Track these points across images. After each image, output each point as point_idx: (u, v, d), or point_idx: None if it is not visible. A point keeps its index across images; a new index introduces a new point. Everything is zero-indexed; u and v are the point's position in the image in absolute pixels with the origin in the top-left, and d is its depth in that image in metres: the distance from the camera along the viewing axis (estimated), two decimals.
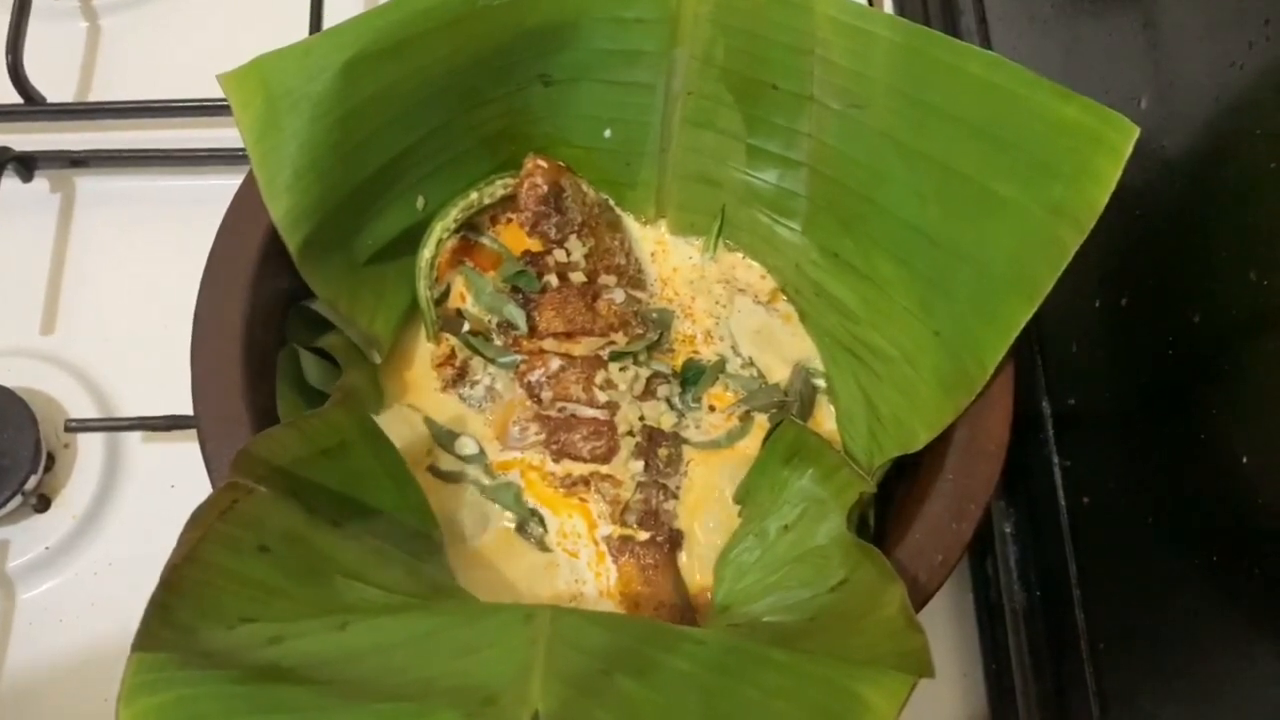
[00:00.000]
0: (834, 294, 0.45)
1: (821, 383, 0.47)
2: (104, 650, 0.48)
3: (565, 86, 0.46)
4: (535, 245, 0.48)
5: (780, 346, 0.48)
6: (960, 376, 0.40)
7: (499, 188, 0.48)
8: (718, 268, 0.49)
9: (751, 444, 0.46)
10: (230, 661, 0.30)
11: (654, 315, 0.48)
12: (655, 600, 0.43)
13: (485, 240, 0.48)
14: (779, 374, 0.47)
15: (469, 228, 0.48)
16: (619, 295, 0.47)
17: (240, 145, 0.39)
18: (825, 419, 0.46)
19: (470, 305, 0.47)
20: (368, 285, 0.44)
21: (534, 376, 0.46)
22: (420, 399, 0.46)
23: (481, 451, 0.45)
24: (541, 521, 0.44)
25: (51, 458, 0.51)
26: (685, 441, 0.46)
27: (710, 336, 0.48)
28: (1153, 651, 0.39)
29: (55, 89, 0.58)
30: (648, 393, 0.46)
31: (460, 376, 0.46)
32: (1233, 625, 0.34)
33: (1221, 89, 0.35)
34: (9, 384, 0.50)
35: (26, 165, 0.57)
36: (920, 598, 0.37)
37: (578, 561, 0.44)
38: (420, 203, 0.46)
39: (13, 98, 0.57)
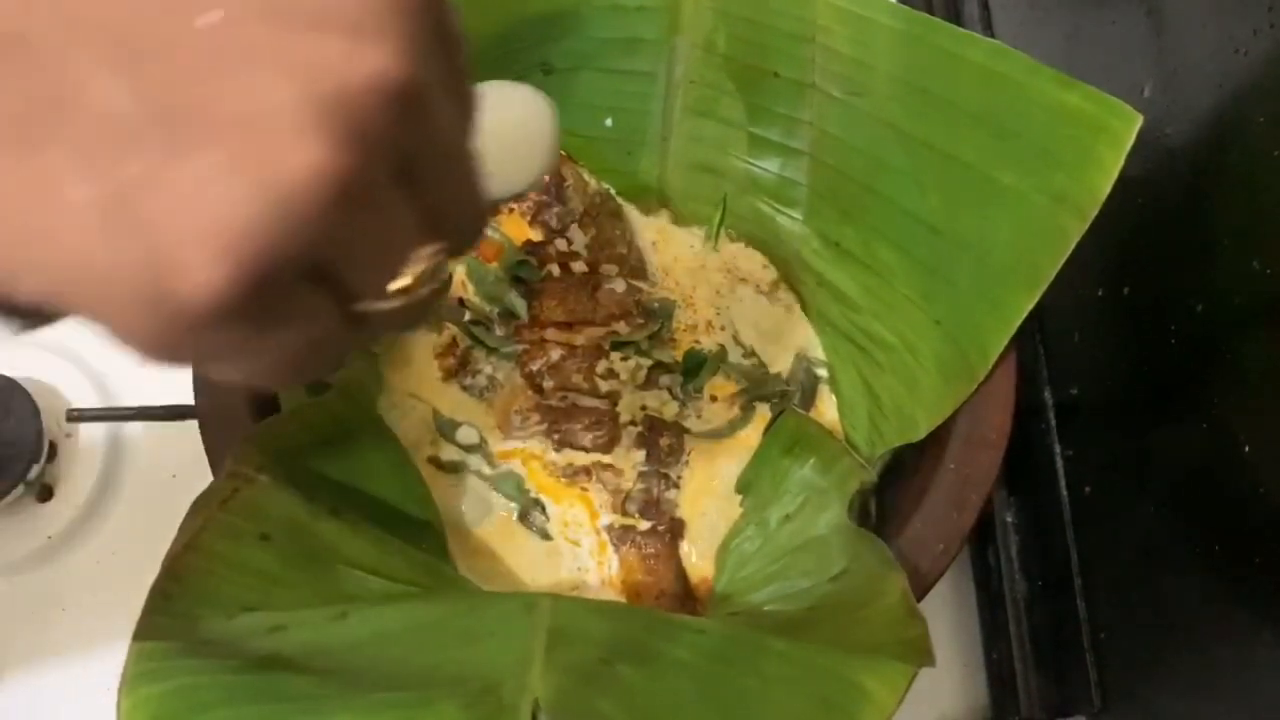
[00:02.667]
0: (835, 283, 0.45)
1: (823, 372, 0.47)
2: (106, 639, 0.48)
3: (566, 75, 0.46)
4: (536, 235, 0.48)
5: (782, 336, 0.48)
6: (962, 365, 0.40)
7: None
8: (719, 257, 0.49)
9: (753, 433, 0.46)
10: (231, 650, 0.30)
11: (655, 305, 0.48)
12: (656, 589, 0.43)
13: (487, 230, 0.48)
14: (780, 363, 0.47)
15: None
16: (620, 285, 0.47)
17: None
18: (827, 408, 0.46)
19: (472, 294, 0.47)
20: None
21: (535, 366, 0.46)
22: (422, 388, 0.46)
23: (483, 441, 0.45)
24: (543, 510, 0.44)
25: (54, 447, 0.51)
26: (687, 431, 0.46)
27: (711, 326, 0.48)
28: (1154, 640, 0.39)
29: None
30: (649, 382, 0.46)
31: (462, 366, 0.46)
32: (1234, 614, 0.34)
33: (1225, 76, 0.35)
34: (11, 373, 0.50)
35: None
36: (921, 587, 0.37)
37: (579, 550, 0.44)
38: None
39: None
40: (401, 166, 0.20)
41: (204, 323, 0.19)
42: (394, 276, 0.22)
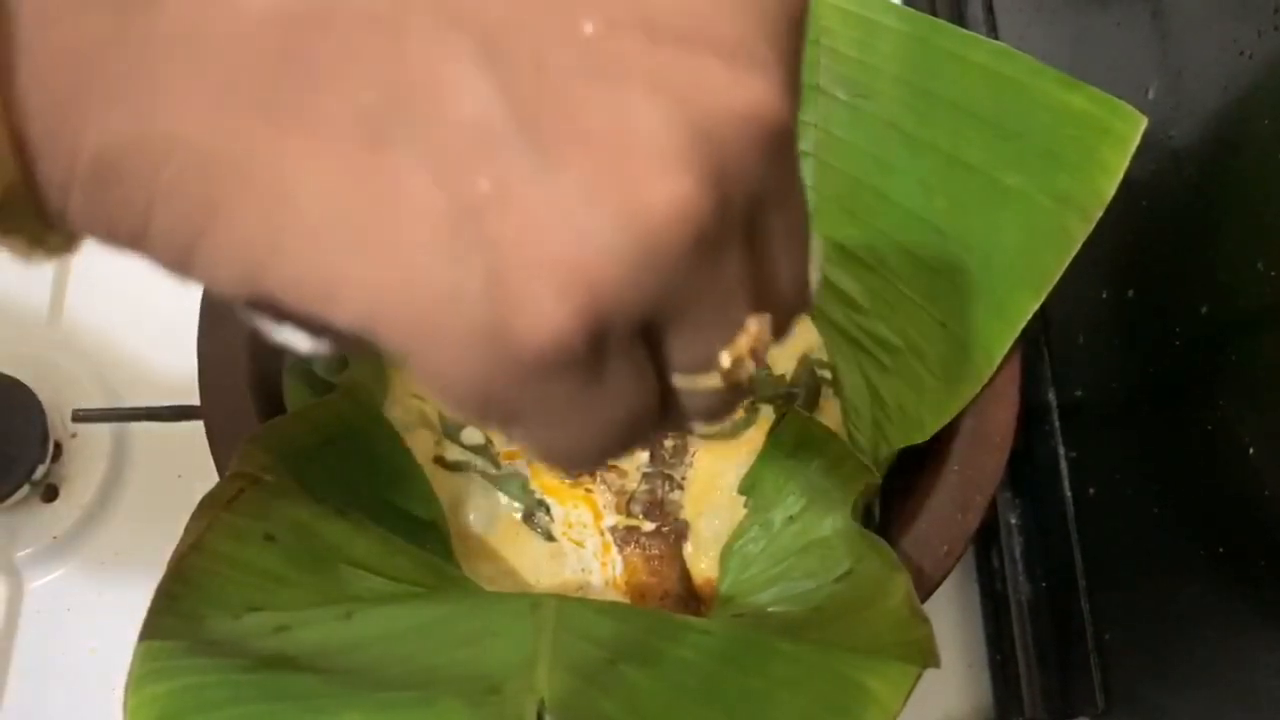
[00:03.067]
0: (839, 285, 0.45)
1: (827, 374, 0.47)
2: (112, 639, 0.49)
3: None
4: None
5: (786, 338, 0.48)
6: (966, 367, 0.40)
7: None
8: None
9: (757, 435, 0.46)
10: (236, 650, 0.30)
11: None
12: (660, 590, 0.43)
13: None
14: (784, 365, 0.47)
15: None
16: None
17: None
18: (831, 410, 0.46)
19: None
20: None
21: None
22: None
23: (488, 441, 0.45)
24: (548, 511, 0.44)
25: (59, 447, 0.51)
26: (690, 432, 0.46)
27: None
28: (1158, 642, 0.39)
29: None
30: None
31: None
32: (1239, 616, 0.34)
33: (1230, 79, 0.35)
34: (16, 373, 0.50)
35: None
36: (925, 588, 0.37)
37: (584, 551, 0.44)
38: None
39: None
40: (754, 218, 0.18)
41: (536, 367, 0.16)
42: (721, 346, 0.19)
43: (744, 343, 0.19)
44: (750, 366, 0.19)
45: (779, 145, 0.17)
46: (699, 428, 0.21)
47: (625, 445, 0.19)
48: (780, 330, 0.20)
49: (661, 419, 0.20)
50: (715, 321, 0.18)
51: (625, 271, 0.16)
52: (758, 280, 0.19)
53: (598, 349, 0.17)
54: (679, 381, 0.19)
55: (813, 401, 0.46)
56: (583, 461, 0.20)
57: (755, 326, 0.19)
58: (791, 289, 0.20)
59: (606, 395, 0.18)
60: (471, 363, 0.16)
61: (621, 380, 0.18)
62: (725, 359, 0.19)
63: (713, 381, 0.19)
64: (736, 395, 0.20)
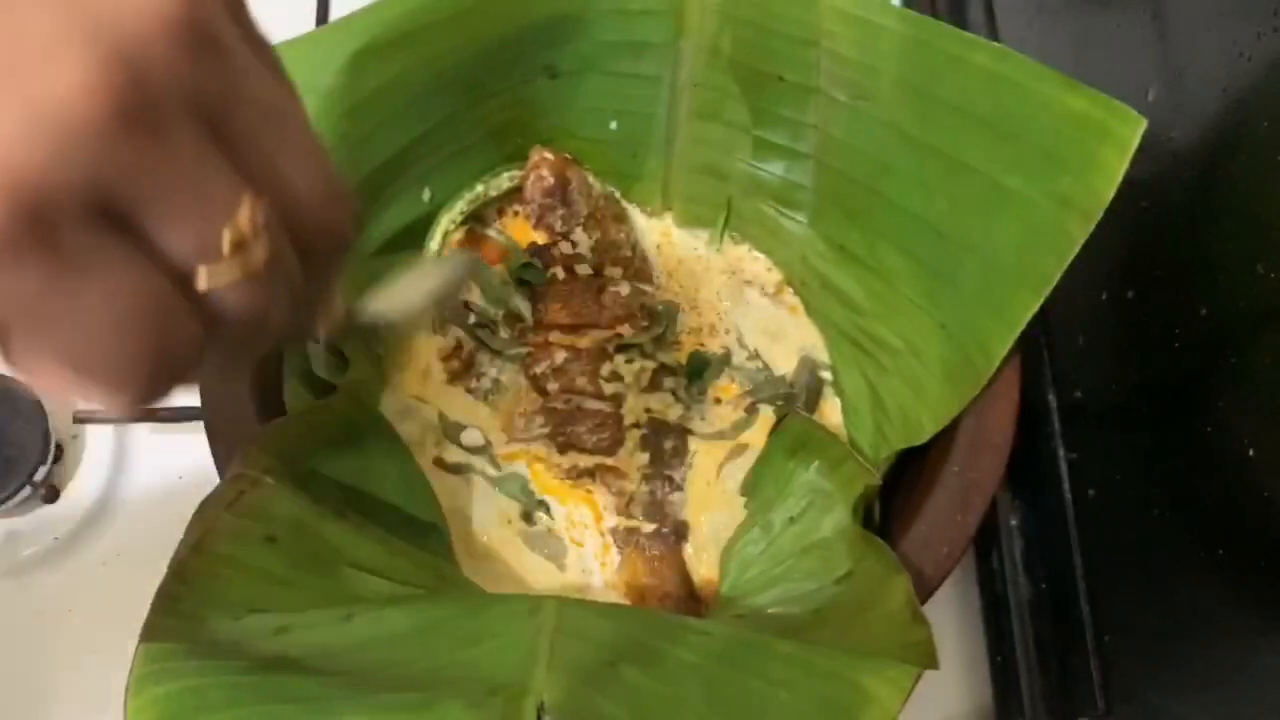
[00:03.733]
0: (840, 286, 0.45)
1: (827, 375, 0.47)
2: (113, 640, 0.49)
3: (571, 78, 0.46)
4: (541, 238, 0.48)
5: (786, 339, 0.48)
6: (966, 369, 0.40)
7: (505, 180, 0.48)
8: (724, 260, 0.49)
9: (757, 436, 0.46)
10: (237, 652, 0.30)
11: (660, 308, 0.48)
12: (660, 592, 0.43)
13: (492, 233, 0.48)
14: (785, 366, 0.47)
15: (475, 220, 0.48)
16: (625, 288, 0.47)
17: None
18: (831, 411, 0.46)
19: (476, 298, 0.47)
20: (374, 278, 0.44)
21: (540, 368, 0.46)
22: (426, 391, 0.46)
23: (488, 443, 0.45)
24: (548, 512, 0.44)
25: (60, 449, 0.51)
26: (690, 433, 0.46)
27: (716, 329, 0.48)
28: (1158, 644, 0.39)
29: None
30: (653, 385, 0.46)
31: (466, 369, 0.46)
32: (1238, 617, 0.34)
33: (1230, 81, 0.35)
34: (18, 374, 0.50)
35: None
36: (925, 590, 0.37)
37: (584, 552, 0.44)
38: (426, 195, 0.46)
39: None
40: (202, 106, 0.19)
41: None
42: (213, 228, 0.19)
43: (243, 222, 0.20)
44: (261, 251, 0.20)
45: (191, 38, 0.18)
46: (246, 338, 0.21)
47: (152, 353, 0.20)
48: (325, 235, 0.22)
49: (202, 324, 0.20)
50: (186, 201, 0.19)
51: (40, 153, 0.17)
52: (248, 166, 0.20)
53: (45, 236, 0.17)
54: (198, 282, 0.20)
55: (813, 402, 0.46)
56: (113, 374, 0.20)
57: (250, 204, 0.20)
58: (305, 182, 0.21)
59: (91, 287, 0.18)
60: None
61: (102, 270, 0.18)
62: (225, 240, 0.19)
63: (228, 272, 0.20)
64: (262, 287, 0.21)
